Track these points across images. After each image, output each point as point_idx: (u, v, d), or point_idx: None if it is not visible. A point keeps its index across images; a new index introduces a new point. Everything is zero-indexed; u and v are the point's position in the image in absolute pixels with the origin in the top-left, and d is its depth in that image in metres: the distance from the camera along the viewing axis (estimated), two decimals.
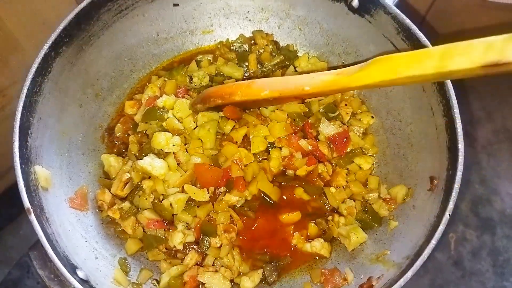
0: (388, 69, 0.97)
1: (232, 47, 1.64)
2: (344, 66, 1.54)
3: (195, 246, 1.34)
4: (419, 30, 1.23)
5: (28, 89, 1.14)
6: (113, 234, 1.34)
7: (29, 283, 1.21)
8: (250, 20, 1.64)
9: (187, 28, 1.61)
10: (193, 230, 1.33)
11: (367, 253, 1.31)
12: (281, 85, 1.25)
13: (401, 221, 1.30)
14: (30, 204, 1.05)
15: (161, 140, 1.33)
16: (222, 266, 1.31)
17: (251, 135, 1.39)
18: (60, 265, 1.02)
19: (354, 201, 1.40)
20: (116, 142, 1.47)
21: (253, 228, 1.34)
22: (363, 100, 1.55)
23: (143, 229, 1.33)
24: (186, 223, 1.33)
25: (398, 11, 1.26)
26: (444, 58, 0.87)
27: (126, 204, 1.33)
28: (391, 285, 1.05)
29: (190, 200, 1.33)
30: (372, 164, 1.47)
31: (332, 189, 1.40)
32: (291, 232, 1.35)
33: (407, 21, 1.25)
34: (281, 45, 1.65)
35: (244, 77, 1.59)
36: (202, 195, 1.31)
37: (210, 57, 1.62)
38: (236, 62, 1.60)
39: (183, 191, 1.33)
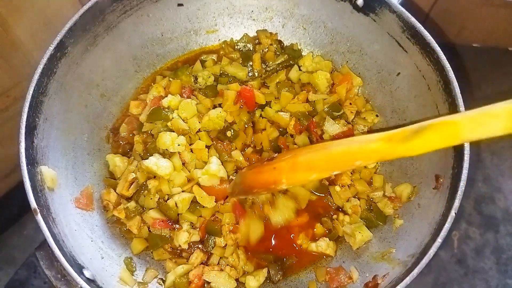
0: (450, 136, 0.87)
1: (236, 47, 1.64)
2: (348, 64, 1.57)
3: (200, 246, 1.34)
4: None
5: (34, 89, 1.14)
6: (119, 233, 1.35)
7: (36, 283, 1.22)
8: (254, 19, 1.64)
9: (191, 28, 1.61)
10: (198, 229, 1.33)
11: (372, 251, 1.31)
12: (328, 164, 1.08)
13: (406, 219, 1.30)
14: (37, 205, 1.05)
15: (167, 140, 1.33)
16: (227, 265, 1.31)
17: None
18: (67, 265, 1.02)
19: (359, 199, 1.40)
20: (121, 142, 1.47)
21: None
22: (367, 99, 1.55)
23: (149, 228, 1.33)
24: (191, 222, 1.33)
25: (403, 10, 1.26)
26: None
27: (131, 204, 1.33)
28: (397, 283, 1.05)
29: (195, 201, 1.33)
30: (377, 163, 1.46)
31: (337, 188, 1.40)
32: (297, 232, 1.35)
33: (412, 19, 1.24)
34: (285, 44, 1.65)
35: (248, 77, 1.59)
36: (209, 201, 1.32)
37: (214, 56, 1.62)
38: (240, 61, 1.59)
39: (190, 191, 1.33)
